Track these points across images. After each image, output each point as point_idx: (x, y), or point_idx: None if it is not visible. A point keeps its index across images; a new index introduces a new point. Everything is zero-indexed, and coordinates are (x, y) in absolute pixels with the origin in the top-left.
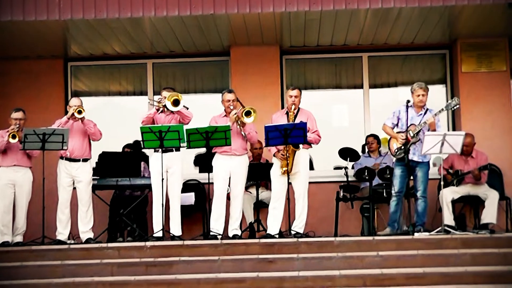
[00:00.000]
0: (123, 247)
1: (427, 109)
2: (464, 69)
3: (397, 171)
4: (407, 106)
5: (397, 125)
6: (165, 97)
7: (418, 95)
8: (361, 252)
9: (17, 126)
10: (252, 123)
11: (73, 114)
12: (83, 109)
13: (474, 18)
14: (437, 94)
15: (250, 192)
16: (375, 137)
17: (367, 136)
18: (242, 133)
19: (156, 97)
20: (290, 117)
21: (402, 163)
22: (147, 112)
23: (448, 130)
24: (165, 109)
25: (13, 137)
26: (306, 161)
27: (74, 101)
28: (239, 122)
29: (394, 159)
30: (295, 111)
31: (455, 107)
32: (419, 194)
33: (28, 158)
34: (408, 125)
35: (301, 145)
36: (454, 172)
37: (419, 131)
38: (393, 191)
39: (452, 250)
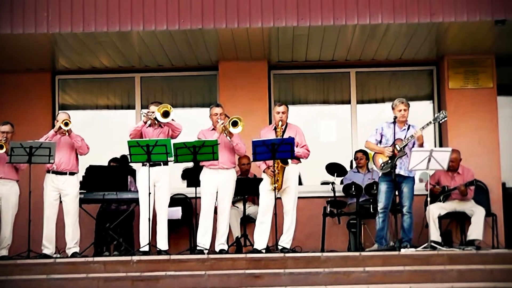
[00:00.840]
0: (109, 262)
1: (409, 125)
2: (451, 86)
3: (383, 187)
4: (395, 122)
5: (380, 141)
6: (153, 112)
7: (400, 110)
8: (348, 267)
9: (5, 138)
10: (239, 135)
11: (60, 127)
12: (70, 121)
13: (461, 35)
14: (424, 110)
15: (237, 207)
16: (364, 152)
17: (356, 152)
18: (230, 142)
19: (145, 111)
20: (278, 133)
21: (388, 178)
22: (135, 125)
23: (435, 146)
24: (155, 122)
25: (1, 147)
26: (295, 176)
27: (62, 116)
28: (226, 133)
29: (380, 173)
30: (283, 127)
31: (443, 120)
32: (405, 210)
33: (15, 171)
34: (394, 140)
35: (290, 161)
36: (441, 188)
37: (406, 145)
38: (378, 207)
39: (439, 266)
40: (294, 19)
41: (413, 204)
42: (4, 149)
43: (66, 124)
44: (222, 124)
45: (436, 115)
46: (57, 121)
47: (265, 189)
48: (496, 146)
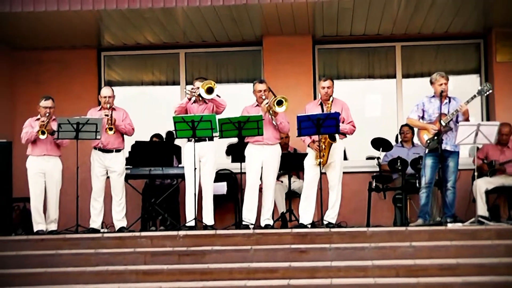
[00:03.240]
0: (156, 236)
1: (450, 98)
2: (499, 59)
3: (428, 161)
4: (434, 96)
5: (422, 117)
6: (198, 88)
7: (441, 84)
8: (394, 242)
9: (48, 115)
10: (283, 113)
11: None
12: (113, 126)
13: (510, 7)
14: (472, 84)
15: (282, 182)
16: (410, 127)
17: (402, 126)
18: (274, 122)
19: (189, 87)
20: (327, 109)
21: (434, 153)
22: (180, 102)
23: (482, 120)
24: (199, 99)
25: (42, 133)
26: (341, 151)
27: (104, 92)
28: (270, 112)
29: (426, 150)
30: (330, 102)
31: (487, 92)
32: (449, 184)
33: (57, 147)
34: (438, 115)
35: (338, 138)
36: (489, 163)
37: (451, 120)
38: (423, 182)
39: (486, 241)
40: None
41: (460, 179)
42: (46, 135)
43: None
44: (267, 104)
45: (480, 87)
46: (101, 97)
47: (310, 164)
48: None
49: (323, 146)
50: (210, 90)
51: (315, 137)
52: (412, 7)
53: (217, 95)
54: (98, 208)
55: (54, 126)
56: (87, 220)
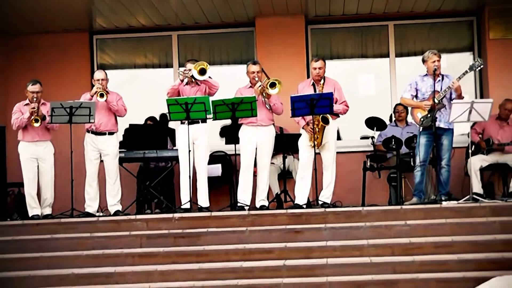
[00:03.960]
0: (151, 219)
1: (443, 75)
2: (492, 36)
3: (422, 140)
4: (427, 75)
5: (416, 96)
6: (190, 70)
7: (433, 61)
8: (389, 221)
9: (35, 99)
10: (277, 95)
11: (95, 94)
12: (106, 92)
13: None
14: (465, 61)
15: (273, 163)
16: (404, 106)
17: (396, 105)
18: (267, 105)
19: (182, 69)
20: (320, 89)
21: (428, 131)
22: (172, 84)
23: (476, 97)
24: (192, 80)
25: (36, 121)
26: (334, 132)
27: (98, 74)
28: (264, 94)
29: (420, 128)
30: (323, 84)
31: (478, 68)
32: (444, 162)
33: (48, 131)
34: (431, 93)
35: (330, 120)
36: (486, 140)
37: (444, 96)
38: (417, 161)
39: (481, 218)
40: None
41: (455, 157)
42: (39, 123)
43: (102, 96)
44: (260, 86)
45: (471, 63)
46: (94, 80)
47: (304, 145)
48: None
49: (317, 129)
50: (202, 71)
51: (309, 119)
52: None
53: (209, 77)
54: (92, 193)
55: (43, 110)
56: (82, 204)
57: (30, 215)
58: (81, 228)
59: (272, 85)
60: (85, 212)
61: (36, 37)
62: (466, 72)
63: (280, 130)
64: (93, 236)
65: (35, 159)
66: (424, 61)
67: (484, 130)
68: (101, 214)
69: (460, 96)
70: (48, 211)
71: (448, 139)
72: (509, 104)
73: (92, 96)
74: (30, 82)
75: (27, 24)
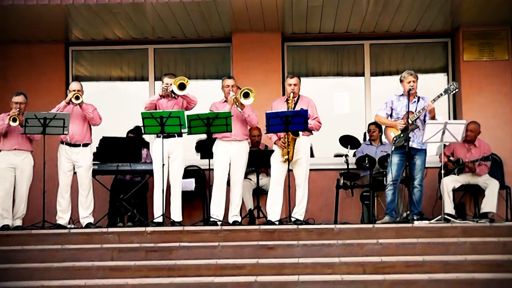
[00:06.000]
0: (123, 232)
1: (419, 97)
2: (466, 58)
3: (395, 159)
4: (403, 95)
5: (390, 115)
6: (170, 84)
7: (409, 82)
8: (361, 239)
9: (18, 109)
10: (251, 107)
11: (71, 99)
12: (81, 95)
13: (477, 6)
14: (439, 83)
15: (250, 179)
16: (377, 125)
17: (369, 124)
18: (242, 114)
19: (164, 85)
20: (289, 105)
21: (400, 151)
22: (150, 98)
23: (449, 118)
24: (171, 95)
25: (14, 120)
26: (307, 148)
27: (73, 85)
28: (237, 104)
29: (393, 147)
30: (295, 99)
31: (453, 91)
32: (416, 182)
33: (29, 142)
34: (405, 113)
35: (300, 133)
36: (456, 160)
37: (417, 118)
38: (389, 179)
39: (452, 238)
40: None
41: (427, 177)
42: (18, 122)
43: (77, 98)
44: (233, 95)
45: (446, 86)
46: (69, 91)
47: (277, 160)
48: (511, 119)
49: (288, 143)
50: (182, 86)
51: (281, 134)
52: (380, 5)
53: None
54: (64, 205)
55: None
56: (53, 216)
57: (0, 225)
58: (52, 240)
59: (246, 95)
60: (57, 224)
61: (11, 47)
62: (441, 95)
63: (265, 148)
64: (64, 248)
65: (13, 169)
66: (401, 80)
67: (454, 153)
68: (72, 226)
69: (433, 118)
70: (18, 222)
71: (421, 159)
72: (471, 125)
73: (68, 104)
74: (15, 93)
75: (2, 34)
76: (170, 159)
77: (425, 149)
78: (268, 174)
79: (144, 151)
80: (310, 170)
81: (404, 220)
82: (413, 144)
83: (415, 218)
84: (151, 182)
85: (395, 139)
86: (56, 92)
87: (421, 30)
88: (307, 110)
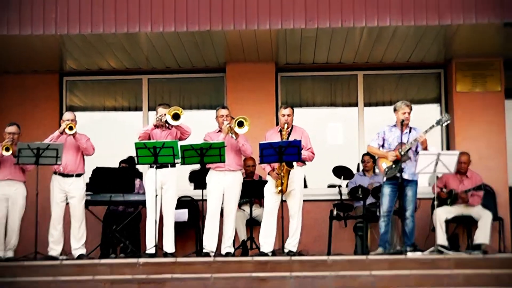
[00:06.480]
0: (116, 264)
1: (411, 128)
2: (459, 89)
3: (387, 190)
4: (396, 126)
5: (382, 146)
6: (165, 114)
7: (404, 113)
8: (355, 271)
9: (11, 140)
10: (245, 136)
11: (64, 129)
12: (74, 125)
13: (470, 38)
14: (432, 114)
15: (243, 210)
16: (371, 156)
17: (364, 155)
18: (237, 143)
19: (158, 115)
20: (283, 136)
21: (392, 182)
22: (144, 128)
23: (442, 149)
24: (165, 125)
25: (7, 149)
26: (300, 179)
27: (67, 115)
28: (231, 133)
29: (384, 178)
30: (288, 130)
31: (445, 123)
32: (408, 213)
33: (22, 173)
34: (397, 144)
35: (295, 164)
36: (448, 191)
37: (409, 149)
38: (381, 211)
39: (445, 270)
40: (302, 21)
41: (420, 208)
42: (11, 151)
43: (71, 128)
44: (228, 124)
45: (439, 118)
46: (63, 121)
47: (270, 191)
48: (504, 150)
49: (282, 174)
50: (176, 116)
51: (275, 165)
52: (374, 37)
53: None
54: (57, 236)
55: None
56: (46, 247)
57: None
58: (44, 272)
59: (240, 124)
60: (49, 255)
61: (5, 78)
62: (433, 126)
63: (259, 178)
64: (56, 280)
65: (6, 200)
66: (395, 110)
67: (446, 185)
68: (64, 257)
69: (425, 149)
70: (10, 254)
71: (412, 190)
72: (463, 156)
73: (61, 134)
74: (8, 124)
75: None
76: (163, 190)
77: (416, 180)
78: (261, 205)
79: (137, 181)
80: (304, 201)
81: (397, 252)
82: (405, 175)
83: (408, 249)
84: (143, 213)
85: (386, 170)
86: (49, 122)
87: (414, 61)
88: (300, 141)
